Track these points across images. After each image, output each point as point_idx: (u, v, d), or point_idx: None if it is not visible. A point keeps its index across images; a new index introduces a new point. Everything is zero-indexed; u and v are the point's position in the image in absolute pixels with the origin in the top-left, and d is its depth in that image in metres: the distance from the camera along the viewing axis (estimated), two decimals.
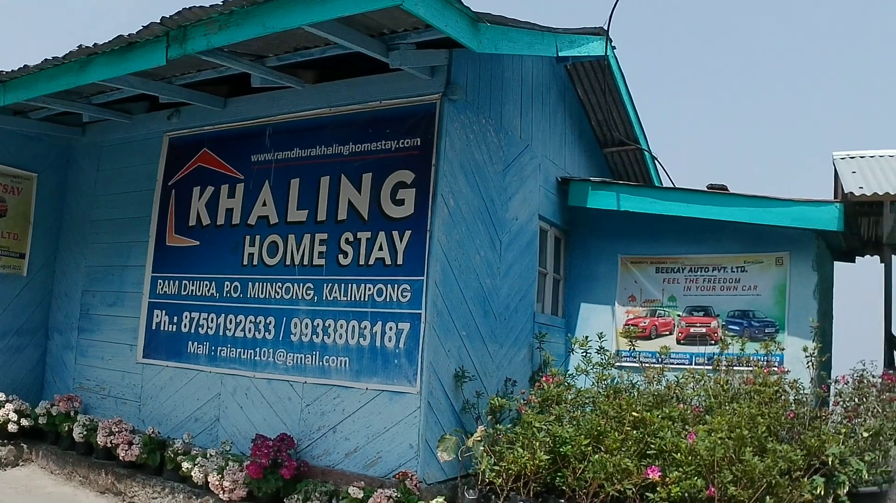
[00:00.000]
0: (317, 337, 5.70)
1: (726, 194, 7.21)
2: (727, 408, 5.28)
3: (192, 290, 6.41)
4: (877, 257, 8.83)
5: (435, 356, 5.44)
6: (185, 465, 5.59)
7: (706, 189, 7.52)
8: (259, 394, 6.00)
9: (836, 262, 8.73)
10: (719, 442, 4.74)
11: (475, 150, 6.15)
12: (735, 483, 4.54)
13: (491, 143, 6.44)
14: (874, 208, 7.51)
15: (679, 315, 7.37)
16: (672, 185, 8.72)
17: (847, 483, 4.77)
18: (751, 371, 5.93)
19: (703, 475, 4.68)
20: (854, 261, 9.14)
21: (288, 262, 6.01)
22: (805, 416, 5.43)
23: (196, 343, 6.34)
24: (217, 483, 5.26)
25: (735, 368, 6.13)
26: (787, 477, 4.73)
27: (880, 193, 6.07)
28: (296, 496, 5.09)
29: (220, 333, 6.18)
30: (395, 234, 5.57)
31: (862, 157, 7.99)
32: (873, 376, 5.87)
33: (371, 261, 5.64)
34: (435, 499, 4.92)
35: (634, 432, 5.10)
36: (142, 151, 7.04)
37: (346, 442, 5.52)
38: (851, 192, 6.11)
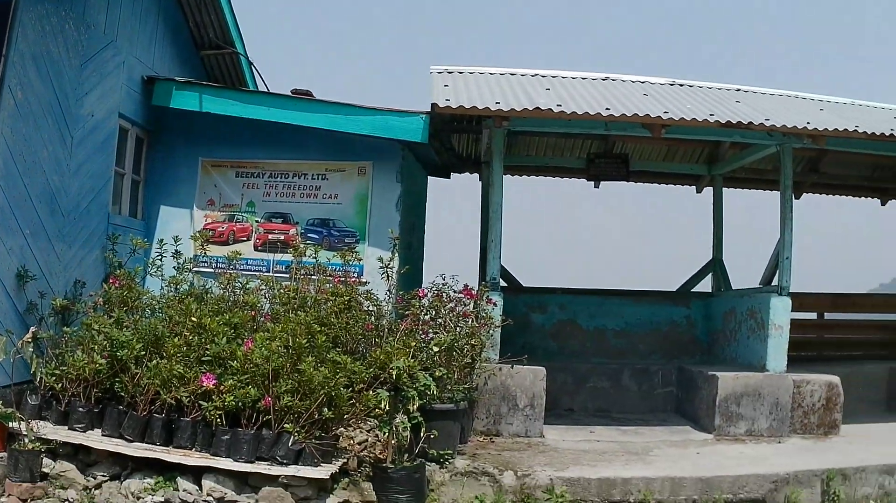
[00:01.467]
0: None
1: (310, 100, 11.79)
2: (292, 316, 9.13)
3: None
4: (476, 175, 15.17)
5: None
6: None
7: (290, 94, 11.98)
8: None
9: (433, 178, 14.99)
10: (277, 350, 8.38)
11: (51, 43, 9.38)
12: (292, 393, 8.20)
13: (70, 36, 9.74)
14: (472, 125, 12.87)
15: (258, 221, 12.07)
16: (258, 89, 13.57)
17: (416, 398, 8.77)
18: (327, 280, 10.35)
19: (259, 384, 8.32)
20: (449, 177, 15.46)
21: None
22: (384, 329, 9.89)
23: None
24: None
25: (313, 277, 10.64)
26: (350, 389, 8.51)
27: (467, 107, 10.61)
28: None
29: None
30: None
31: (460, 72, 13.38)
32: (454, 291, 10.62)
33: None
34: None
35: (196, 338, 8.73)
36: None
37: None
38: (437, 104, 10.62)
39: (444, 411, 9.48)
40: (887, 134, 11.26)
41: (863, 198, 17.64)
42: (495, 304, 10.97)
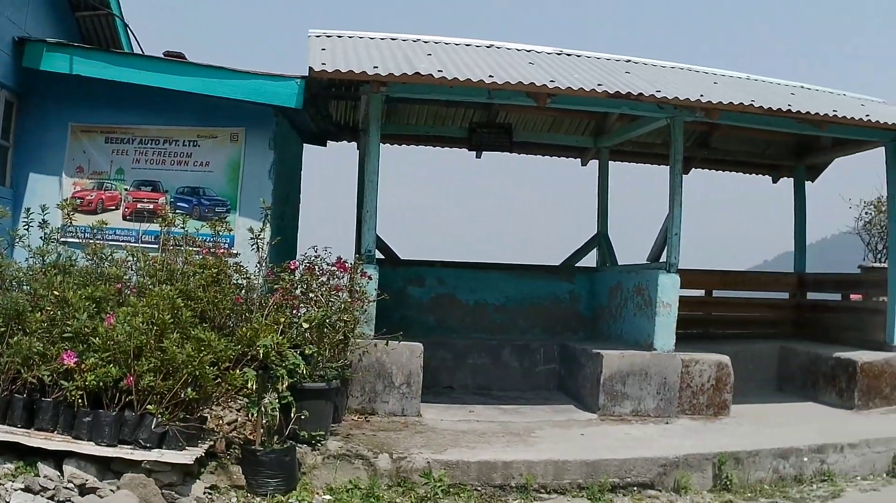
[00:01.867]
0: None
1: (182, 63, 11.57)
2: (157, 290, 8.91)
3: None
4: (354, 144, 15.08)
5: None
6: None
7: (162, 56, 11.75)
8: None
9: (308, 146, 14.94)
10: (139, 327, 8.21)
11: None
12: (155, 372, 8.05)
13: None
14: (350, 92, 12.81)
15: (127, 189, 11.87)
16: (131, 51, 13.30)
17: (286, 377, 8.68)
18: (195, 252, 10.19)
19: (122, 363, 8.13)
20: (325, 145, 15.38)
21: None
22: (255, 304, 9.77)
23: None
24: None
25: (184, 248, 10.42)
26: (217, 368, 8.34)
27: (343, 71, 10.55)
28: None
29: None
30: None
31: (339, 36, 13.24)
32: (327, 264, 10.52)
33: None
34: None
35: (59, 314, 8.49)
36: None
37: None
38: (313, 68, 10.51)
39: (316, 390, 9.39)
40: (784, 109, 11.49)
41: (754, 175, 17.99)
42: (370, 278, 10.96)
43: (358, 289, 10.64)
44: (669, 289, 11.97)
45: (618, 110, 12.75)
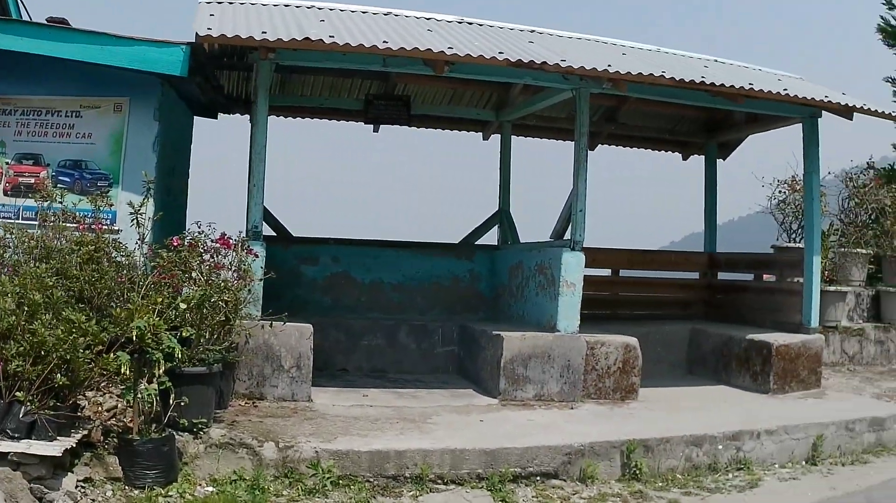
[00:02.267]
0: None
1: (63, 29, 11.26)
2: (29, 268, 8.70)
3: None
4: (248, 116, 14.13)
5: None
6: None
7: (45, 22, 11.46)
8: None
9: (199, 118, 14.77)
10: (8, 307, 8.03)
11: None
12: (24, 356, 7.84)
13: None
14: (241, 61, 12.73)
15: (8, 163, 11.61)
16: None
17: (162, 361, 8.52)
18: (69, 228, 9.98)
19: None
20: (216, 118, 15.18)
21: None
22: (138, 283, 9.41)
23: None
24: None
25: (66, 225, 10.18)
26: (91, 351, 8.16)
27: (230, 36, 10.35)
28: None
29: None
30: None
31: (230, 2, 13.01)
32: (211, 240, 10.32)
33: None
34: None
35: None
36: None
37: None
38: (198, 34, 10.32)
39: (196, 375, 9.22)
40: (697, 81, 11.55)
41: (663, 151, 18.22)
42: (256, 256, 10.79)
43: (244, 267, 10.45)
44: (574, 268, 11.98)
45: (520, 80, 12.67)
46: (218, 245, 10.38)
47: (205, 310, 9.60)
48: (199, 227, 10.49)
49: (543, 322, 12.39)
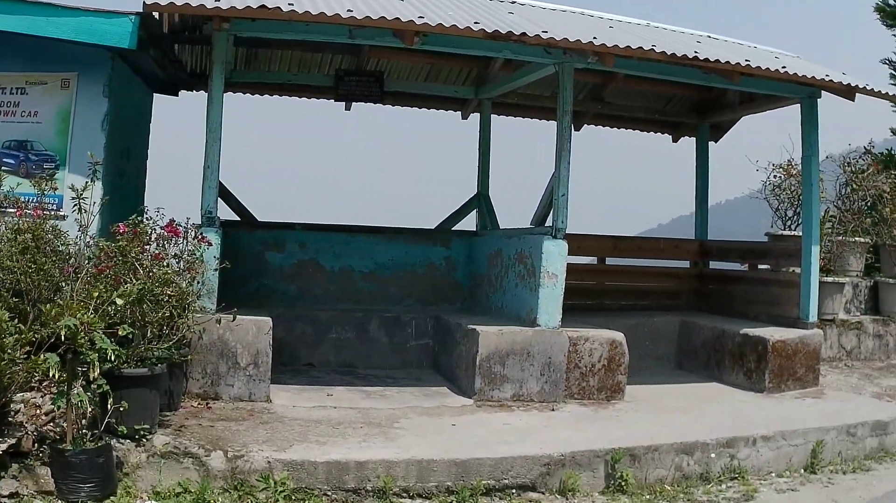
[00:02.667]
0: None
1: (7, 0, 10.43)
2: None
3: None
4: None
5: None
6: None
7: None
8: None
9: (161, 97, 14.14)
10: None
11: None
12: None
13: None
14: (199, 34, 11.85)
15: None
16: None
17: (96, 363, 7.84)
18: (15, 214, 9.34)
19: None
20: (177, 95, 14.49)
21: None
22: (86, 274, 8.82)
23: None
24: None
25: (8, 210, 9.67)
26: (21, 352, 7.64)
27: (178, 4, 9.60)
28: None
29: None
30: None
31: None
32: (159, 227, 9.67)
33: None
34: None
35: None
36: None
37: None
38: (145, 2, 9.62)
39: (137, 377, 8.53)
40: (690, 55, 10.89)
41: (652, 133, 17.58)
42: (210, 244, 10.05)
43: (194, 257, 9.81)
44: (556, 258, 11.30)
45: (499, 54, 11.90)
46: (167, 233, 9.68)
47: (145, 306, 8.83)
48: (146, 214, 9.93)
49: (523, 315, 11.70)
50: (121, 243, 9.23)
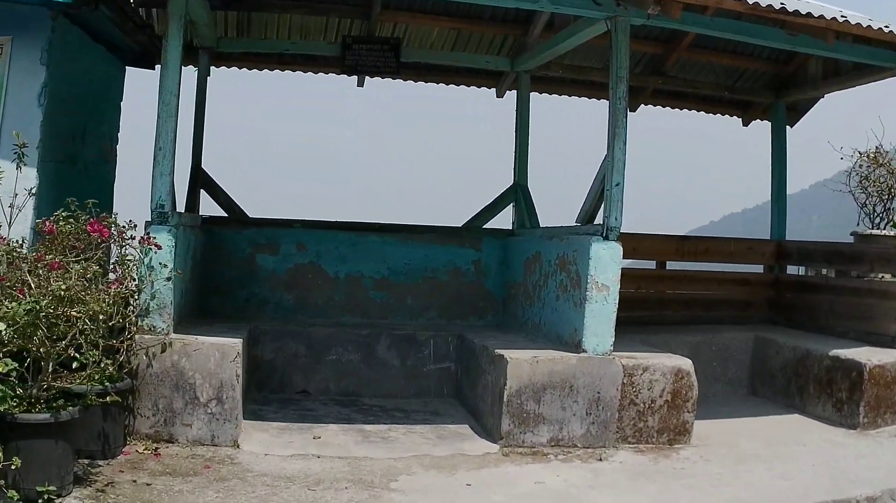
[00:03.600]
0: None
1: None
2: None
3: None
4: (196, 69, 12.62)
5: None
6: None
7: None
8: None
9: (136, 69, 12.56)
10: None
11: None
12: None
13: None
14: None
15: None
16: None
17: None
18: None
19: None
20: (154, 69, 12.48)
21: None
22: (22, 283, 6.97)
23: None
24: None
25: None
26: None
27: None
28: None
29: None
30: None
31: None
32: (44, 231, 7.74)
33: None
34: None
35: None
36: None
37: None
38: None
39: (36, 425, 6.60)
40: (776, 6, 8.77)
41: (719, 115, 15.54)
42: (159, 247, 8.34)
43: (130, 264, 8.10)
44: (607, 265, 9.28)
45: (537, 6, 9.90)
46: (50, 233, 7.86)
47: (39, 332, 6.80)
48: (72, 209, 8.09)
49: (566, 336, 9.69)
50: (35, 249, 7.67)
